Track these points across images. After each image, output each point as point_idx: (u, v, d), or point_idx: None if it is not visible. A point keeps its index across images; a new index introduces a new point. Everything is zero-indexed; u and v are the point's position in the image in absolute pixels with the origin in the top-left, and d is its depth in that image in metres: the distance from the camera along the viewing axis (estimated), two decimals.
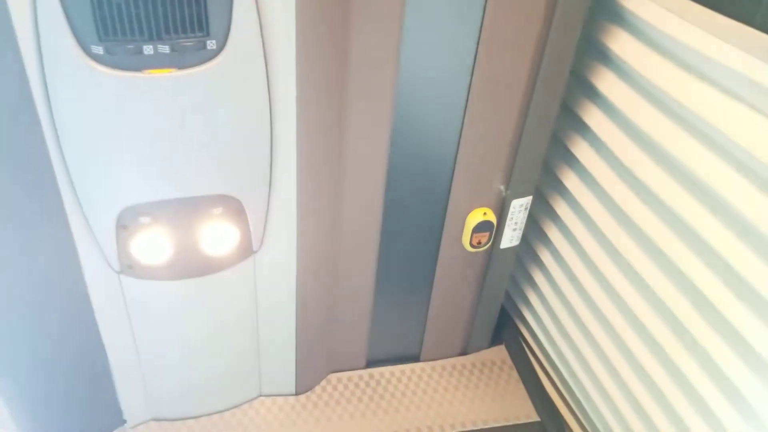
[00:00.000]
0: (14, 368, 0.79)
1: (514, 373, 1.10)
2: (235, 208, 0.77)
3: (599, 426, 0.93)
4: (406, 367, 1.10)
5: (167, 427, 0.97)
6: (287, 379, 1.00)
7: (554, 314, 1.01)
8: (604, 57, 0.82)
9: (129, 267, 0.78)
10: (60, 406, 0.87)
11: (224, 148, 0.71)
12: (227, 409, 1.00)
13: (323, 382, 1.06)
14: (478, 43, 0.74)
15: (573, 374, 0.98)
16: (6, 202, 0.67)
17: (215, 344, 0.91)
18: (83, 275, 0.78)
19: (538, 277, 1.05)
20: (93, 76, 0.60)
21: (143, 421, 0.97)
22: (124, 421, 0.95)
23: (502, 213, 0.92)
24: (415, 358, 1.11)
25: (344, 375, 1.07)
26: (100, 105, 0.63)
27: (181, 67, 0.62)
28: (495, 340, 1.15)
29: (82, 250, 0.75)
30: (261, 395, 1.02)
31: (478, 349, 1.14)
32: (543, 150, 0.88)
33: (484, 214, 0.90)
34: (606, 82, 0.82)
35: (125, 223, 0.73)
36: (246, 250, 0.82)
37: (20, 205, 0.69)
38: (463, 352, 1.13)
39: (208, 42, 0.62)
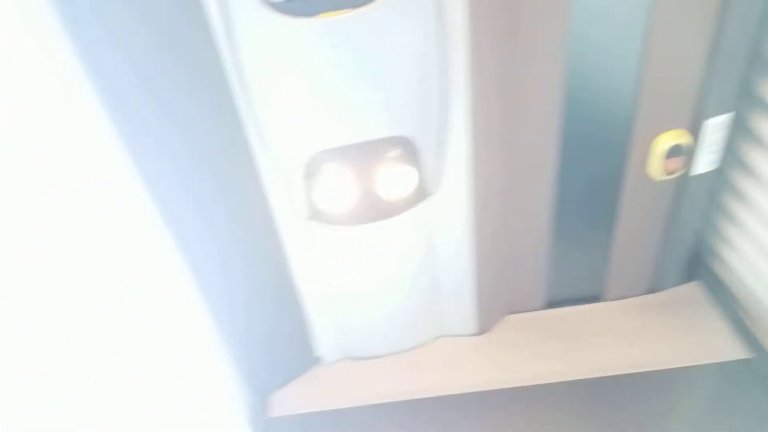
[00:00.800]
0: (222, 314, 0.87)
1: (713, 310, 1.01)
2: (410, 150, 0.77)
3: None
4: (589, 307, 1.05)
5: (358, 366, 1.02)
6: (467, 320, 1.01)
7: (761, 244, 0.90)
8: None
9: (315, 213, 0.82)
10: (262, 347, 0.95)
11: (399, 87, 0.71)
12: (412, 349, 1.03)
13: (502, 323, 1.05)
14: None
15: None
16: (199, 156, 0.73)
17: (398, 286, 0.94)
18: (275, 223, 0.83)
19: (736, 206, 0.94)
20: (273, 25, 0.62)
21: (336, 360, 1.03)
22: (319, 360, 1.02)
23: (695, 135, 0.83)
24: (598, 298, 1.05)
25: (524, 316, 1.05)
26: (282, 54, 0.65)
27: (354, 6, 0.62)
28: (687, 276, 1.06)
29: (272, 200, 0.80)
30: (442, 335, 1.04)
31: (668, 287, 1.05)
32: (742, 58, 0.77)
33: (677, 136, 0.82)
34: None
35: (311, 171, 0.77)
36: (422, 192, 0.83)
37: (212, 158, 0.74)
38: (652, 290, 1.05)
39: None
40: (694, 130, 0.83)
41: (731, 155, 0.91)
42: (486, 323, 1.03)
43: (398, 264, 0.91)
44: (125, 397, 0.65)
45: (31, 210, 0.54)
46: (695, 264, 1.05)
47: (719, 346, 0.95)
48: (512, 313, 1.06)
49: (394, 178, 0.80)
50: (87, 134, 0.63)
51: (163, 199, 0.73)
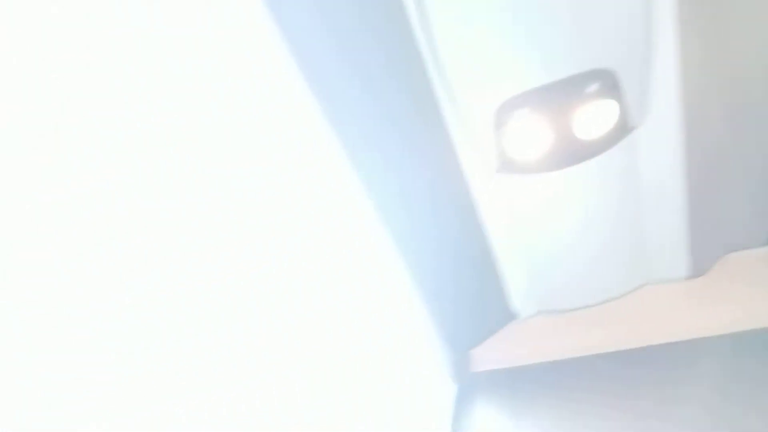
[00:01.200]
0: (423, 276, 0.87)
1: None
2: (610, 82, 0.70)
3: None
4: None
5: (556, 320, 0.98)
6: (679, 263, 0.91)
7: None
8: None
9: (507, 163, 0.78)
10: (461, 305, 0.94)
11: (597, 15, 0.64)
12: (613, 299, 0.96)
13: (719, 263, 0.94)
14: None
15: None
16: (391, 114, 0.72)
17: (598, 232, 0.87)
18: (465, 177, 0.80)
19: None
20: None
21: (531, 315, 0.99)
22: (516, 316, 0.99)
23: None
24: None
25: (744, 254, 0.93)
26: None
27: None
28: None
29: (462, 153, 0.78)
30: (648, 282, 0.95)
31: None
32: None
33: None
34: None
35: (502, 119, 0.72)
36: (624, 127, 0.75)
37: (403, 117, 0.73)
38: None
39: None
40: None
41: None
42: (701, 264, 0.92)
43: (599, 208, 0.84)
44: (342, 361, 0.67)
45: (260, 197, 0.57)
46: None
47: None
48: (732, 251, 0.94)
49: (593, 115, 0.73)
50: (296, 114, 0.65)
51: (365, 172, 0.74)
